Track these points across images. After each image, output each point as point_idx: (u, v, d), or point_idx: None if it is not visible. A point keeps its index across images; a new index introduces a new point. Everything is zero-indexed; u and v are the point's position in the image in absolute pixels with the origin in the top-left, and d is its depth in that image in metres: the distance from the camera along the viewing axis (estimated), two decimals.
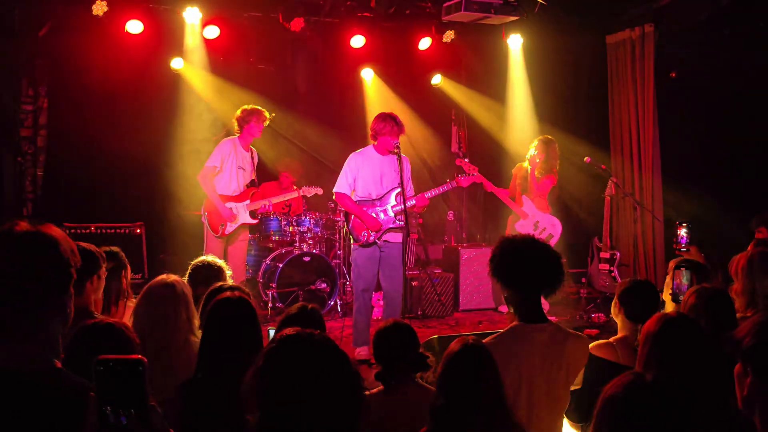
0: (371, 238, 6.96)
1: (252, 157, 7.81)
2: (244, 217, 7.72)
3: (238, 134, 7.64)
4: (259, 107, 7.67)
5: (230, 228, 7.65)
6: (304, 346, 2.17)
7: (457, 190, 8.61)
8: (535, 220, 8.59)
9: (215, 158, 7.58)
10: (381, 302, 7.97)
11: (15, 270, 2.08)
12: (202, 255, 7.07)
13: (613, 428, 2.03)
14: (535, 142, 8.63)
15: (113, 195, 8.88)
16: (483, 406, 2.83)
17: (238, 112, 7.65)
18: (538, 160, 8.54)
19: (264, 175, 9.03)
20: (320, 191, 8.44)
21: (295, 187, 8.19)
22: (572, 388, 3.53)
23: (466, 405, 2.83)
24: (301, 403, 2.06)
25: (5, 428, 1.98)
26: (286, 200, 8.53)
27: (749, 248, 4.85)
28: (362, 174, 7.06)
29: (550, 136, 8.73)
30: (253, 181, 7.81)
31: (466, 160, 7.87)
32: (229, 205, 7.62)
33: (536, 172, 8.60)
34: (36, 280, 2.09)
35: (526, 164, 8.69)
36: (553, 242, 8.44)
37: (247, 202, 7.72)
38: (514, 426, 2.90)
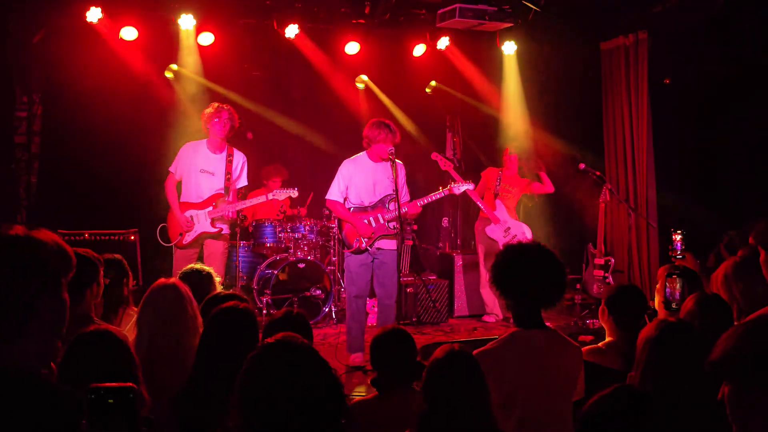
0: (363, 245, 6.95)
1: (228, 160, 7.26)
2: (204, 226, 7.19)
3: (208, 134, 7.26)
4: (220, 105, 7.24)
5: (189, 237, 7.19)
6: (285, 354, 2.18)
7: (451, 197, 8.62)
8: (507, 225, 8.67)
9: (173, 163, 7.28)
10: (376, 309, 7.98)
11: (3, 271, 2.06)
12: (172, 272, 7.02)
13: None
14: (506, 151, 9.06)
15: (108, 202, 8.86)
16: (467, 415, 2.83)
17: (204, 113, 7.26)
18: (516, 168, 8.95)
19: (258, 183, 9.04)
20: (295, 193, 7.63)
21: (265, 193, 7.57)
22: (575, 398, 3.52)
23: (449, 412, 2.83)
24: (281, 409, 2.07)
25: None
26: (253, 205, 7.75)
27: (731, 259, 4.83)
28: (355, 181, 7.04)
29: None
30: (226, 187, 7.26)
31: (442, 155, 7.86)
32: (189, 213, 7.19)
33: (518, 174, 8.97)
34: (12, 281, 2.07)
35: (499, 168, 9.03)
36: None
37: (210, 209, 7.20)
38: None
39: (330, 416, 2.16)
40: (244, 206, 7.44)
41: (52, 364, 2.56)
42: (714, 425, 2.58)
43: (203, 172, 7.23)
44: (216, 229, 7.23)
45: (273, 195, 7.47)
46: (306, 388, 2.13)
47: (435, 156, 8.01)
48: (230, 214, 7.24)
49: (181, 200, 7.26)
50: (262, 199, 7.47)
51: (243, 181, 7.46)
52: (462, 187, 7.34)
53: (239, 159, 7.38)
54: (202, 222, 7.20)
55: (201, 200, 7.22)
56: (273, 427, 2.09)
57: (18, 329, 2.07)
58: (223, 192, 7.24)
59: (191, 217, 7.20)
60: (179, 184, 7.31)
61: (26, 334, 2.07)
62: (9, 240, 2.12)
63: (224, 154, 7.30)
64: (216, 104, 7.26)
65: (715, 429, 2.59)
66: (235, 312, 3.35)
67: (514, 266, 3.48)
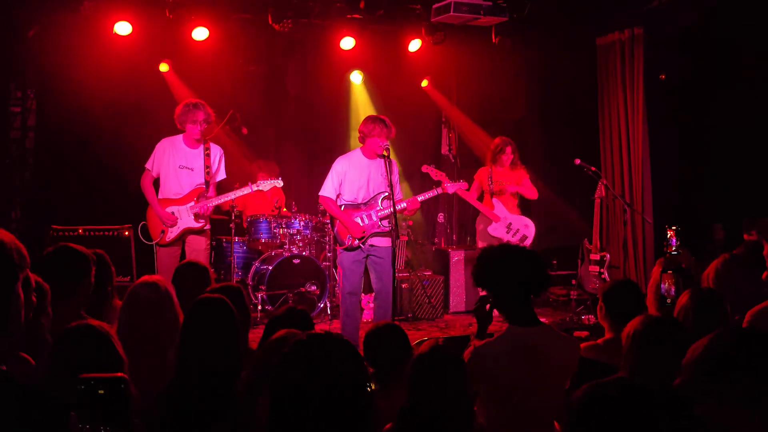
0: (355, 242, 6.95)
1: (206, 154, 7.13)
2: (187, 221, 7.03)
3: (183, 131, 7.12)
4: (197, 102, 7.05)
5: (172, 233, 7.02)
6: (324, 347, 2.18)
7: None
8: (508, 222, 8.56)
9: (150, 160, 7.13)
10: (371, 305, 8.00)
11: None
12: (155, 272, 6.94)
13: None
14: (500, 143, 8.75)
15: (102, 197, 8.84)
16: (449, 409, 2.83)
17: (178, 108, 7.08)
18: (512, 156, 8.69)
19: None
20: (280, 183, 7.53)
21: (249, 182, 7.35)
22: None
23: (432, 406, 2.83)
24: (314, 404, 2.07)
25: None
26: (236, 198, 7.36)
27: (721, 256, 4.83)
28: (349, 178, 7.01)
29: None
30: (207, 181, 7.12)
31: (432, 166, 7.80)
32: (170, 209, 7.02)
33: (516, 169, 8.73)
34: None
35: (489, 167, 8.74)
36: (527, 243, 8.46)
37: (191, 204, 7.05)
38: (476, 430, 2.90)
39: (360, 411, 2.17)
40: (227, 199, 7.25)
41: (30, 359, 2.54)
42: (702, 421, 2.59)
43: (182, 168, 7.10)
44: (200, 224, 7.10)
45: (257, 186, 7.33)
46: (339, 383, 2.13)
47: (425, 168, 7.92)
48: (209, 209, 7.11)
49: (160, 197, 7.11)
50: (246, 190, 7.30)
51: (222, 174, 7.31)
52: (455, 186, 7.42)
53: (216, 152, 7.26)
54: (184, 218, 7.05)
55: (181, 196, 7.09)
56: (304, 423, 2.09)
57: None
58: (203, 186, 7.12)
59: (173, 212, 7.06)
60: (156, 181, 7.17)
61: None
62: None
63: (201, 148, 7.18)
64: (190, 103, 7.07)
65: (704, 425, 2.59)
66: (212, 302, 3.34)
67: (496, 263, 3.51)
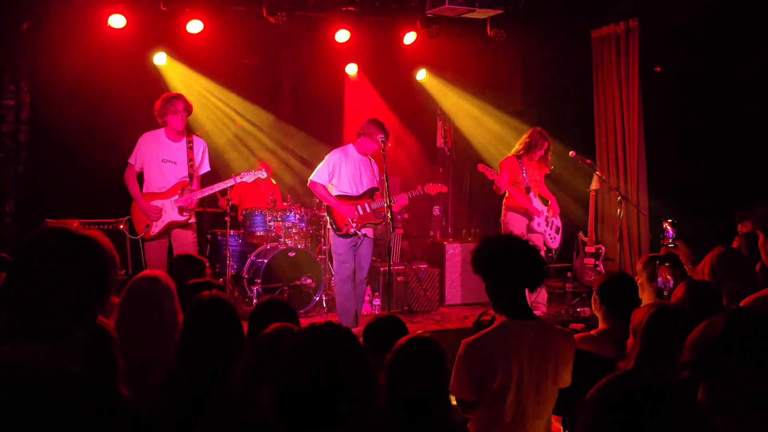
0: (352, 230, 7.19)
1: (189, 147, 7.13)
2: (171, 215, 7.03)
3: (165, 126, 7.10)
4: (175, 95, 7.12)
5: (156, 227, 7.02)
6: (330, 339, 2.20)
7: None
8: (544, 215, 8.41)
9: (132, 154, 7.13)
10: (368, 297, 8.11)
11: (70, 271, 2.02)
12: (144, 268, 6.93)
13: (597, 428, 2.03)
14: (537, 136, 8.32)
15: (96, 190, 8.79)
16: (424, 401, 2.83)
17: (156, 104, 7.09)
18: (543, 153, 8.35)
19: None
20: (263, 174, 7.54)
21: (232, 174, 7.34)
22: (561, 386, 3.53)
23: (407, 397, 2.84)
24: (323, 393, 2.11)
25: (37, 427, 1.90)
26: (221, 190, 7.42)
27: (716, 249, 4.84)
28: (344, 171, 7.28)
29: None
30: (190, 174, 7.11)
31: (491, 168, 7.94)
32: (155, 202, 7.02)
33: (542, 164, 8.51)
34: (86, 285, 2.04)
35: (516, 156, 8.35)
36: (560, 235, 8.49)
37: (176, 197, 7.06)
38: (452, 425, 2.90)
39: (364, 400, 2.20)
40: (210, 192, 7.27)
41: None
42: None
43: (165, 161, 7.09)
44: (184, 218, 7.09)
45: (240, 178, 7.33)
46: (347, 373, 2.16)
47: (481, 168, 8.15)
48: (194, 202, 7.09)
49: (144, 191, 7.12)
50: (230, 182, 7.28)
51: (205, 167, 7.31)
52: (436, 187, 7.60)
53: (200, 145, 7.26)
54: (169, 211, 7.05)
55: (165, 190, 7.09)
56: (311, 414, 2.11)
57: (81, 329, 2.04)
58: (187, 180, 7.12)
59: (157, 206, 7.05)
60: (140, 175, 7.18)
61: (74, 336, 2.04)
62: (85, 242, 2.08)
63: (184, 141, 7.17)
64: (168, 95, 7.11)
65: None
66: (215, 302, 3.33)
67: (502, 254, 3.50)
